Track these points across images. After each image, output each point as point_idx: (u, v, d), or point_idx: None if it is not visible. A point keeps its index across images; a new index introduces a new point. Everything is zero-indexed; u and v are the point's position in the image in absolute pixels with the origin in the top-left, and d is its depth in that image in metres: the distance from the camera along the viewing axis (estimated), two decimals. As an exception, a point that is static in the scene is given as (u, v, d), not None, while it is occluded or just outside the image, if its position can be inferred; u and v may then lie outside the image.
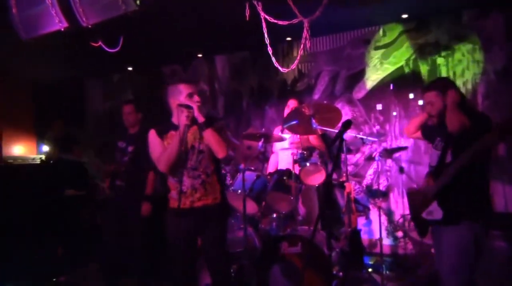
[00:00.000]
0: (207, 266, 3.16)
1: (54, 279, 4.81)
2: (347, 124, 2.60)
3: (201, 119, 2.97)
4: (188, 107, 2.96)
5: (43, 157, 6.43)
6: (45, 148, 7.03)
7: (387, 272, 4.67)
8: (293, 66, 3.66)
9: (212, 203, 3.03)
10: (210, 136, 2.97)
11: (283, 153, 4.84)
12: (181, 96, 3.02)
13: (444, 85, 2.88)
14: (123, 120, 4.59)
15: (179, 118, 2.94)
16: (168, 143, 3.04)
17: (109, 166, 4.63)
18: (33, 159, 6.30)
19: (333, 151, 4.87)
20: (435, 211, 2.82)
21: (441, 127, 2.87)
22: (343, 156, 4.51)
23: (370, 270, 4.66)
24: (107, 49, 3.94)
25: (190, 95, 3.02)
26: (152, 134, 3.11)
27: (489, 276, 3.43)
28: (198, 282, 3.85)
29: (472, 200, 2.73)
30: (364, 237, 5.13)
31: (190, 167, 3.00)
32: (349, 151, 5.37)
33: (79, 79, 7.72)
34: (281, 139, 4.60)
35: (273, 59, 3.55)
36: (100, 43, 3.88)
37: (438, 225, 2.82)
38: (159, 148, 3.06)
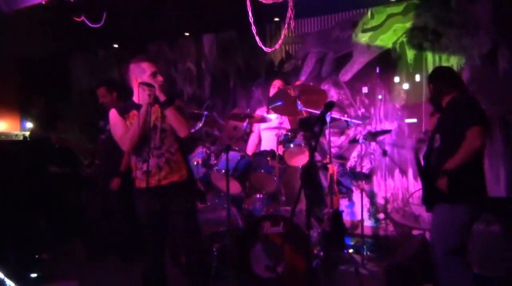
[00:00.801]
0: (178, 243, 3.18)
1: (37, 256, 4.81)
2: (330, 106, 2.61)
3: (162, 98, 2.94)
4: (150, 86, 2.91)
5: (26, 133, 6.36)
6: (29, 125, 6.96)
7: (368, 252, 4.75)
8: (277, 46, 3.65)
9: (179, 180, 3.04)
10: (171, 116, 2.96)
11: (267, 134, 4.83)
12: (144, 75, 2.99)
13: (430, 76, 3.15)
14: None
15: (141, 97, 2.90)
16: (130, 123, 3.02)
17: (88, 145, 4.66)
18: (16, 135, 6.23)
19: (315, 131, 4.88)
20: None
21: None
22: (327, 137, 4.53)
23: (351, 250, 4.74)
24: (90, 24, 3.88)
25: (153, 75, 3.00)
26: (113, 114, 3.07)
27: (484, 260, 3.49)
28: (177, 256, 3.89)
29: (466, 182, 2.83)
30: (347, 218, 5.20)
31: (153, 146, 2.98)
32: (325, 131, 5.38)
33: (65, 55, 7.59)
34: (264, 120, 4.59)
35: (257, 38, 3.53)
36: (83, 18, 3.82)
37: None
38: (121, 128, 3.04)
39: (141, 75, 2.98)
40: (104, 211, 4.53)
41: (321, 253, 4.05)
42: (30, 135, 6.26)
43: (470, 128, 2.76)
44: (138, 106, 2.97)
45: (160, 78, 3.00)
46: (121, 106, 3.12)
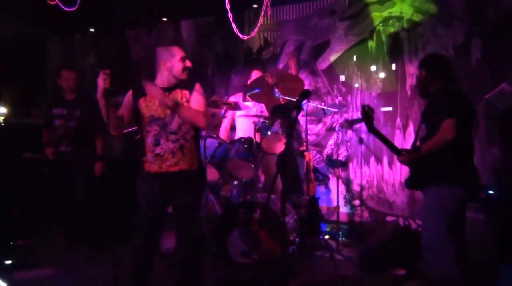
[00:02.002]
0: (176, 231, 3.16)
1: (12, 242, 4.76)
2: (305, 94, 2.63)
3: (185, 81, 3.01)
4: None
5: (1, 118, 6.25)
6: (2, 110, 6.82)
7: (343, 238, 4.85)
8: (253, 33, 3.65)
9: (188, 169, 2.99)
10: (183, 117, 2.94)
11: (244, 121, 4.84)
12: (173, 59, 2.99)
13: (424, 62, 3.22)
14: (59, 85, 4.62)
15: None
16: (147, 105, 2.98)
17: (47, 133, 4.68)
18: (-11, 120, 6.12)
19: (291, 119, 4.92)
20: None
21: None
22: (303, 125, 4.57)
23: (326, 236, 4.84)
24: (64, 7, 3.80)
25: (182, 59, 3.01)
26: (128, 95, 3.08)
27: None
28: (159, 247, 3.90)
29: (449, 164, 2.92)
30: (323, 205, 5.27)
31: (169, 130, 2.95)
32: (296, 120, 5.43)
33: (40, 40, 7.43)
34: (238, 107, 4.59)
35: (233, 25, 3.52)
36: (56, 1, 3.74)
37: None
38: (121, 110, 3.07)
39: (170, 59, 2.98)
40: (72, 197, 4.56)
41: (297, 239, 4.11)
42: (3, 120, 6.15)
43: (445, 119, 2.84)
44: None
45: (188, 63, 3.01)
46: (138, 87, 3.03)
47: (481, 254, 3.50)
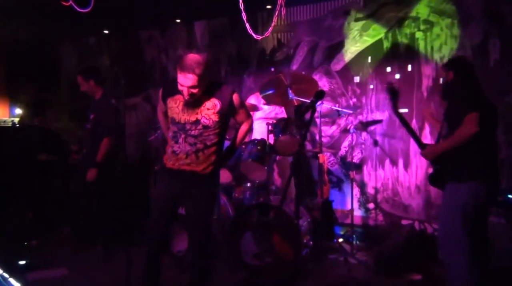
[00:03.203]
0: (188, 235, 3.13)
1: (25, 243, 4.78)
2: (320, 95, 2.58)
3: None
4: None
5: (15, 120, 6.30)
6: (18, 111, 6.89)
7: (357, 242, 4.77)
8: (267, 33, 3.62)
9: (199, 172, 2.96)
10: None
11: (260, 123, 4.82)
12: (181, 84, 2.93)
13: (453, 65, 3.18)
14: None
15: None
16: (175, 103, 2.95)
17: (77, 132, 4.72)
18: (5, 121, 6.17)
19: (305, 121, 4.88)
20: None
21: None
22: (318, 127, 4.53)
23: (340, 240, 4.76)
24: (78, 9, 3.81)
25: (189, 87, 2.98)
26: (159, 94, 3.10)
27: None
28: (169, 245, 3.87)
29: (471, 161, 2.91)
30: (337, 208, 5.20)
31: (189, 134, 2.92)
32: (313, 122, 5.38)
33: (54, 42, 7.50)
34: (255, 108, 4.58)
35: (247, 25, 3.49)
36: (70, 2, 3.75)
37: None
38: (159, 109, 3.21)
39: (180, 81, 2.88)
40: (86, 198, 4.58)
41: (311, 242, 4.07)
42: (19, 122, 6.21)
43: (469, 113, 2.83)
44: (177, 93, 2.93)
45: (195, 91, 2.87)
46: (169, 86, 3.00)
47: (503, 260, 3.42)
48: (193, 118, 2.91)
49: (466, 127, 2.82)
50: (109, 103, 4.52)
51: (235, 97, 2.99)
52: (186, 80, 2.75)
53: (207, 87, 2.90)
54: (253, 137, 4.78)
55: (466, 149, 2.88)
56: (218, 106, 2.93)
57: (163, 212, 3.04)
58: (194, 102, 2.89)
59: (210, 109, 2.91)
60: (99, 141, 4.41)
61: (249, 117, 3.19)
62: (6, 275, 3.12)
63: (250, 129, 3.23)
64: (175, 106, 2.95)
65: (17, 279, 3.03)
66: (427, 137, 4.86)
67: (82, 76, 4.48)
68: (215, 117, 2.91)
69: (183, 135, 2.93)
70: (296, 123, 4.28)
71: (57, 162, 5.31)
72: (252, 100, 4.84)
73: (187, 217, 3.09)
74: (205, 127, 2.91)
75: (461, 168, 2.92)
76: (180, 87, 2.80)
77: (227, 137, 4.26)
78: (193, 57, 2.79)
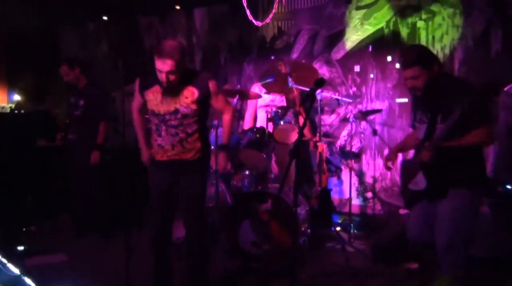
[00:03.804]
0: (183, 221, 3.18)
1: (24, 229, 4.79)
2: (320, 83, 2.56)
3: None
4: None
5: (13, 105, 6.28)
6: (16, 97, 6.86)
7: (355, 231, 4.79)
8: (267, 20, 3.58)
9: (189, 159, 3.01)
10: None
11: (261, 111, 4.80)
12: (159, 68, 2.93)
13: (427, 60, 2.88)
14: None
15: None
16: (153, 94, 2.98)
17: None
18: (3, 107, 6.15)
19: (305, 108, 4.86)
20: (420, 182, 2.89)
21: (422, 100, 2.97)
22: (317, 115, 4.51)
23: (338, 228, 4.79)
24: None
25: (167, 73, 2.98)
26: (135, 86, 3.09)
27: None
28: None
29: (481, 167, 2.85)
30: (335, 196, 5.22)
31: (169, 124, 2.96)
32: (322, 111, 5.38)
33: (53, 28, 7.44)
34: (258, 96, 4.56)
35: (247, 11, 3.45)
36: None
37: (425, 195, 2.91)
38: (135, 100, 3.14)
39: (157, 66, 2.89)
40: (79, 184, 4.65)
41: (309, 230, 4.08)
42: (15, 107, 6.19)
43: (484, 125, 2.69)
44: (156, 84, 2.97)
45: (172, 77, 2.87)
46: (145, 78, 3.05)
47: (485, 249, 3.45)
48: (172, 108, 2.94)
49: (480, 138, 2.70)
50: (100, 89, 4.70)
51: (212, 84, 3.00)
52: (164, 66, 2.78)
53: (184, 76, 2.92)
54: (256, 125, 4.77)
55: (475, 154, 2.81)
56: (196, 94, 2.95)
57: (162, 203, 3.09)
58: (172, 92, 2.92)
59: (188, 98, 2.94)
60: (92, 127, 4.48)
61: (228, 104, 3.20)
62: (4, 260, 3.13)
63: (232, 119, 3.21)
64: (153, 98, 2.97)
65: (16, 264, 3.04)
66: (427, 127, 4.84)
67: (67, 66, 4.58)
68: (193, 106, 2.94)
69: (163, 127, 2.97)
70: (296, 112, 4.26)
71: (56, 148, 5.30)
72: (256, 89, 4.82)
73: (181, 204, 3.13)
74: (184, 116, 2.94)
75: (474, 173, 2.82)
76: (158, 74, 2.82)
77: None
78: (171, 43, 2.84)
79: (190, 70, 3.03)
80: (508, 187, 3.54)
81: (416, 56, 2.88)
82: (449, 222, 2.78)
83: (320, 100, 4.47)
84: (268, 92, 4.72)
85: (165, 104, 2.94)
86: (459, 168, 2.79)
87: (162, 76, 2.82)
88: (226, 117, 3.19)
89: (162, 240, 3.13)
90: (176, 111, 2.93)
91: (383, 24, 5.16)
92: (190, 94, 2.95)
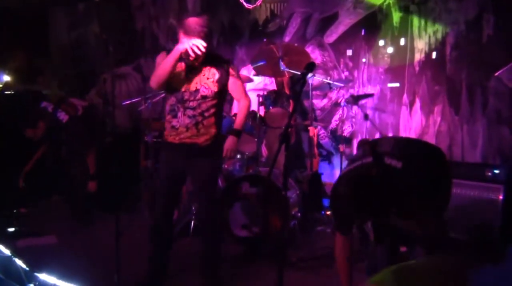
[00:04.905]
0: (197, 206, 3.20)
1: (15, 210, 4.79)
2: (310, 66, 2.55)
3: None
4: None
5: (1, 85, 6.22)
6: (6, 78, 6.77)
7: (345, 214, 4.82)
8: (259, 2, 3.53)
9: (201, 144, 2.97)
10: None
11: (251, 95, 4.78)
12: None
13: None
14: None
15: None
16: (173, 75, 2.90)
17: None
18: (-7, 88, 6.09)
19: (296, 92, 4.86)
20: None
21: None
22: (309, 100, 4.51)
23: (328, 212, 4.82)
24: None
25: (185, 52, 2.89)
26: (162, 55, 2.98)
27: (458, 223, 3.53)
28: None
29: None
30: (326, 180, 5.24)
31: (187, 105, 2.93)
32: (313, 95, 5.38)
33: (43, 8, 7.32)
34: (249, 80, 4.54)
35: (238, -8, 3.40)
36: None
37: None
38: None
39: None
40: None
41: (299, 214, 4.11)
42: (3, 88, 6.13)
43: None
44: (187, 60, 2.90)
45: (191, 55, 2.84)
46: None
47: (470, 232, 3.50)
48: (193, 87, 2.92)
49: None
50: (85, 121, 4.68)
51: (232, 68, 3.01)
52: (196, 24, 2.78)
53: (207, 56, 2.89)
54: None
55: None
56: (217, 75, 2.94)
57: (167, 187, 3.07)
58: (195, 70, 2.90)
59: (209, 79, 2.93)
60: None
61: (246, 92, 3.16)
62: (-6, 242, 3.13)
63: (249, 107, 3.13)
64: (178, 74, 2.93)
65: (6, 246, 3.04)
66: (417, 112, 4.87)
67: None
68: (214, 87, 2.93)
69: (181, 109, 2.93)
70: (287, 96, 4.26)
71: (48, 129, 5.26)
72: (244, 71, 4.80)
73: (193, 189, 3.13)
74: (204, 97, 2.92)
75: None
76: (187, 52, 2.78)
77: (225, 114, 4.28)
78: (197, 20, 2.81)
79: (212, 52, 2.98)
80: (496, 171, 3.57)
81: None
82: None
83: (312, 84, 4.47)
84: (256, 74, 4.70)
85: (187, 83, 2.92)
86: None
87: (188, 53, 2.78)
88: (243, 103, 3.10)
89: (162, 223, 3.12)
90: (197, 91, 2.91)
91: (375, 8, 5.14)
92: (212, 75, 2.93)
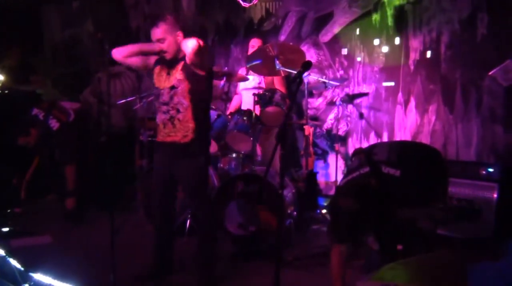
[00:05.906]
0: (190, 206, 3.22)
1: (9, 210, 4.76)
2: (307, 65, 2.55)
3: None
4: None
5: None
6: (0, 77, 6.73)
7: (340, 213, 4.83)
8: (255, 1, 3.53)
9: (180, 141, 2.94)
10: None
11: (246, 94, 4.79)
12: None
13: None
14: None
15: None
16: (156, 72, 3.05)
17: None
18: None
19: (292, 91, 4.86)
20: None
21: None
22: (304, 99, 4.51)
23: (324, 211, 4.83)
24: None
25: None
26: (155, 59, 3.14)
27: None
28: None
29: None
30: (321, 179, 5.26)
31: (161, 101, 2.96)
32: (311, 95, 5.38)
33: (37, 6, 7.28)
34: (244, 79, 4.54)
35: (235, -9, 3.41)
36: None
37: None
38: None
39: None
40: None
41: (295, 213, 4.11)
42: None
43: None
44: (165, 62, 3.02)
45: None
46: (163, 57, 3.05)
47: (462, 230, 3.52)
48: (168, 84, 2.96)
49: None
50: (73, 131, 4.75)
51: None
52: (153, 34, 2.94)
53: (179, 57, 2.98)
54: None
55: None
56: (182, 63, 2.97)
57: (163, 186, 3.09)
58: (169, 69, 2.98)
59: (177, 71, 2.96)
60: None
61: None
62: (-11, 241, 3.11)
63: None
64: (157, 73, 3.03)
65: (0, 246, 3.02)
66: (412, 111, 4.88)
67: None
68: (180, 75, 2.94)
69: (157, 105, 2.99)
70: (283, 95, 4.26)
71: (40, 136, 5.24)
72: (243, 71, 4.81)
73: (184, 194, 3.20)
74: (172, 87, 2.93)
75: None
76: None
77: (213, 107, 4.27)
78: (153, 32, 3.00)
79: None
80: (490, 170, 3.59)
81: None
82: None
83: (307, 83, 4.47)
84: (248, 73, 4.70)
85: (164, 81, 2.99)
86: None
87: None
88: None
89: (161, 221, 3.14)
90: (171, 87, 2.95)
91: (371, 7, 5.14)
92: (180, 65, 2.97)
